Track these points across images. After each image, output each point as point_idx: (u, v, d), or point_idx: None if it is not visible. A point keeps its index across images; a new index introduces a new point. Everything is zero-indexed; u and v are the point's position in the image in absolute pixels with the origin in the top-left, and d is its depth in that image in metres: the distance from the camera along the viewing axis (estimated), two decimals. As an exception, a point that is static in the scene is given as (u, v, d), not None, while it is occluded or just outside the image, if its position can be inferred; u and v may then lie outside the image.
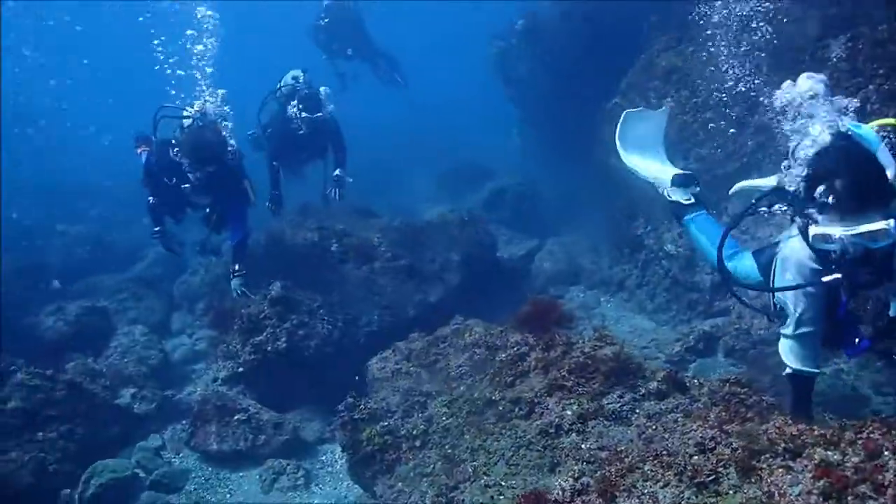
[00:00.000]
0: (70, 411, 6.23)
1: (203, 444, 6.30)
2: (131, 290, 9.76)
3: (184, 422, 6.84)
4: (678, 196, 4.70)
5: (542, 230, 10.94)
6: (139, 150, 7.63)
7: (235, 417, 6.29)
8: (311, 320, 6.81)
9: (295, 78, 8.07)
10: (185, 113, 6.95)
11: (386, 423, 4.85)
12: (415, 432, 4.65)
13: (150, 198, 7.06)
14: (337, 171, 8.05)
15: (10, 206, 15.81)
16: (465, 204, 12.19)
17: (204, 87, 7.31)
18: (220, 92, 7.02)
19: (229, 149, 6.65)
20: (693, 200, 4.65)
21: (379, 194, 13.45)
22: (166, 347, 8.26)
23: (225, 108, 7.00)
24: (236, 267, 6.72)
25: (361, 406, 5.05)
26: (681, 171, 4.80)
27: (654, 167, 5.01)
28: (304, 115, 7.74)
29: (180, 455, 6.46)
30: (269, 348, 6.59)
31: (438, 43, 32.24)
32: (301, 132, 7.83)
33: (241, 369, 6.69)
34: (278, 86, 8.29)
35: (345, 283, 7.43)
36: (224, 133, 6.73)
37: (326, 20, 12.21)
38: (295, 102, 7.80)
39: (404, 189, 15.64)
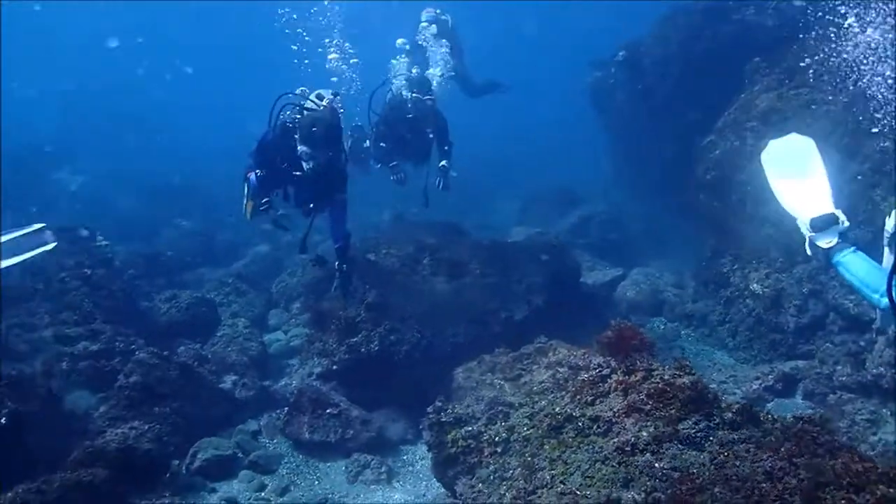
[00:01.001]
0: (181, 390, 6.87)
1: (296, 432, 6.81)
2: (234, 286, 10.50)
3: (278, 411, 7.42)
4: (821, 240, 4.43)
5: (627, 259, 11.13)
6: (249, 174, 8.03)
7: (327, 411, 6.78)
8: (403, 327, 7.25)
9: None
10: (308, 102, 7.01)
11: (470, 429, 5.20)
12: (497, 439, 4.99)
13: (257, 171, 6.98)
14: (443, 163, 8.33)
15: (125, 197, 17.18)
16: (552, 228, 12.49)
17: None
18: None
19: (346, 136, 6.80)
20: (837, 242, 4.37)
21: (467, 212, 13.94)
22: (264, 341, 8.89)
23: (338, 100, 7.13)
24: (343, 266, 6.94)
25: (448, 410, 5.42)
26: (820, 214, 4.45)
27: (797, 200, 4.65)
28: (414, 95, 7.93)
29: (274, 441, 7.01)
30: (362, 350, 7.07)
31: (535, 65, 32.60)
32: (409, 116, 7.99)
33: (335, 367, 7.19)
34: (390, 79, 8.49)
35: (435, 295, 7.84)
36: (347, 131, 6.96)
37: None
38: (405, 83, 8.01)
39: (492, 208, 16.07)
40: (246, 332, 8.69)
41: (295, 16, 10.32)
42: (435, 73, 8.74)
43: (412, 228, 9.74)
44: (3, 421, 5.57)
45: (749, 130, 8.43)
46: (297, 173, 6.65)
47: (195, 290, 9.83)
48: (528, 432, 4.88)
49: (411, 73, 8.33)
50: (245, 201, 7.09)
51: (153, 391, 6.64)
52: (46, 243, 5.78)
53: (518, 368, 5.82)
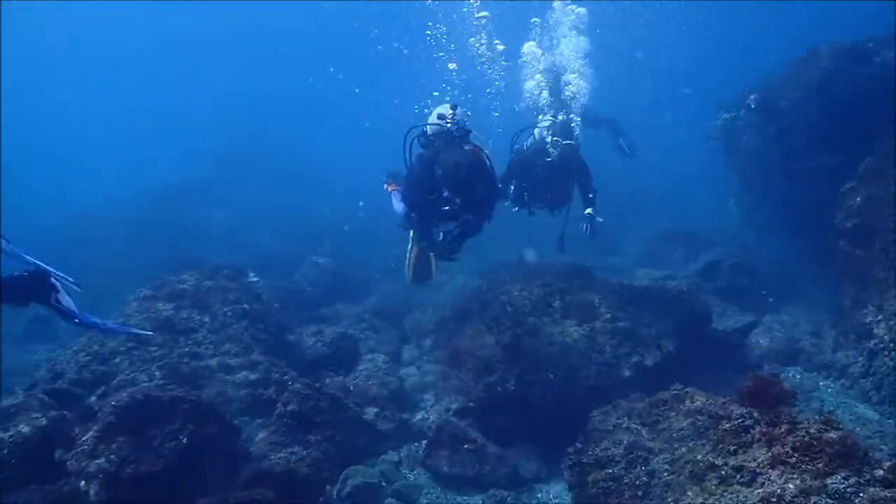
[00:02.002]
0: (331, 420, 7.41)
1: (435, 465, 7.20)
2: (369, 322, 11.14)
3: (416, 444, 7.86)
4: None
5: (758, 305, 10.94)
6: (389, 189, 8.37)
7: (465, 446, 7.14)
8: (536, 368, 7.54)
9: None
10: (431, 120, 7.13)
11: (610, 471, 5.42)
12: (637, 482, 5.19)
13: (412, 213, 7.25)
14: (588, 210, 8.42)
15: (264, 233, 18.44)
16: (679, 271, 12.46)
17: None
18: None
19: (487, 169, 6.85)
20: None
21: (589, 251, 14.08)
22: (401, 375, 9.40)
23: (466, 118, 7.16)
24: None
25: (589, 452, 5.66)
26: None
27: None
28: (555, 139, 8.11)
29: (414, 472, 7.42)
30: (498, 389, 7.42)
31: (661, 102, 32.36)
32: (550, 160, 8.17)
33: (471, 404, 7.56)
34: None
35: (566, 338, 8.09)
36: (484, 152, 6.94)
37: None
38: (547, 126, 8.24)
39: (614, 248, 16.12)
40: (385, 366, 9.22)
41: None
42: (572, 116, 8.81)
43: (540, 270, 10.05)
44: (184, 441, 6.27)
45: (894, 178, 8.24)
46: (446, 208, 6.77)
47: (336, 326, 10.53)
48: (670, 478, 5.05)
49: (556, 118, 8.54)
50: (407, 264, 8.02)
51: (308, 420, 7.22)
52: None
53: (655, 414, 5.97)
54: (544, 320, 8.38)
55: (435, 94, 7.71)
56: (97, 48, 42.08)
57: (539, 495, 6.98)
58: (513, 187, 8.60)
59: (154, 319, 8.78)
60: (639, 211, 18.49)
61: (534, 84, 9.50)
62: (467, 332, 8.63)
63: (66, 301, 5.02)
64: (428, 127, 7.32)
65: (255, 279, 10.63)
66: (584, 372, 7.73)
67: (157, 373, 8.00)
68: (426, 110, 7.75)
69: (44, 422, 6.49)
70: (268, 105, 34.16)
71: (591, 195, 8.53)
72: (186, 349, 8.42)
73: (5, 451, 6.23)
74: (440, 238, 7.15)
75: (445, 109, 7.22)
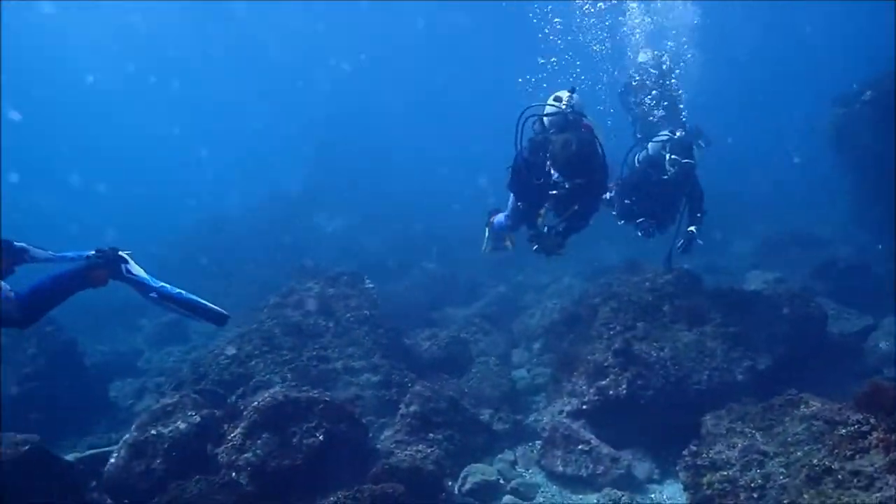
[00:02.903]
0: (450, 420, 7.89)
1: (550, 464, 7.53)
2: (478, 325, 11.59)
3: (529, 444, 8.22)
4: None
5: (875, 307, 10.65)
6: (490, 220, 8.72)
7: (579, 447, 7.43)
8: (648, 373, 7.74)
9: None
10: (549, 104, 6.95)
11: (725, 473, 5.61)
12: (753, 485, 5.36)
13: (519, 203, 7.30)
14: (692, 228, 8.51)
15: (375, 239, 19.24)
16: (791, 272, 12.25)
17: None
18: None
19: (598, 155, 6.60)
20: None
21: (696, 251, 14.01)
22: (512, 378, 9.79)
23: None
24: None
25: (703, 454, 5.86)
26: None
27: None
28: (673, 157, 8.08)
29: (530, 471, 7.78)
30: (610, 393, 7.67)
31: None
32: (665, 178, 8.17)
33: (584, 407, 7.84)
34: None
35: (676, 342, 8.24)
36: (596, 136, 6.68)
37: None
38: (664, 141, 8.19)
39: (722, 248, 15.92)
40: (496, 369, 9.64)
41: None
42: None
43: (647, 274, 10.18)
44: (320, 438, 6.87)
45: None
46: (553, 192, 6.66)
47: (448, 330, 11.03)
48: (785, 481, 5.20)
49: (674, 134, 8.43)
50: (484, 244, 8.24)
51: (429, 420, 7.72)
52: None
53: (769, 419, 6.10)
54: (654, 325, 8.55)
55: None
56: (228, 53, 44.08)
57: (653, 496, 7.18)
58: (626, 201, 8.65)
59: (283, 325, 9.54)
60: (745, 211, 18.16)
61: (647, 95, 9.53)
62: (578, 337, 8.92)
63: (137, 270, 5.59)
64: (544, 108, 7.16)
65: (371, 285, 11.27)
66: (695, 377, 7.86)
67: (288, 375, 8.71)
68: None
69: (197, 419, 7.23)
70: (382, 111, 35.18)
71: (699, 214, 8.60)
72: (314, 353, 9.11)
73: (166, 445, 7.02)
74: (545, 231, 7.08)
75: (563, 93, 7.05)
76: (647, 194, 8.59)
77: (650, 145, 8.66)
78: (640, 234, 8.70)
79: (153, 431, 7.10)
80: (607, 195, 8.58)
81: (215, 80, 45.55)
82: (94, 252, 5.42)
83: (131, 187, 35.53)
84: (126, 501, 6.85)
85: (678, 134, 8.40)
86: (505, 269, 15.86)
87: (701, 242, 8.59)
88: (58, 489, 6.62)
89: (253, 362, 8.98)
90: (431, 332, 10.45)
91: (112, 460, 7.11)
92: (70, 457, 7.42)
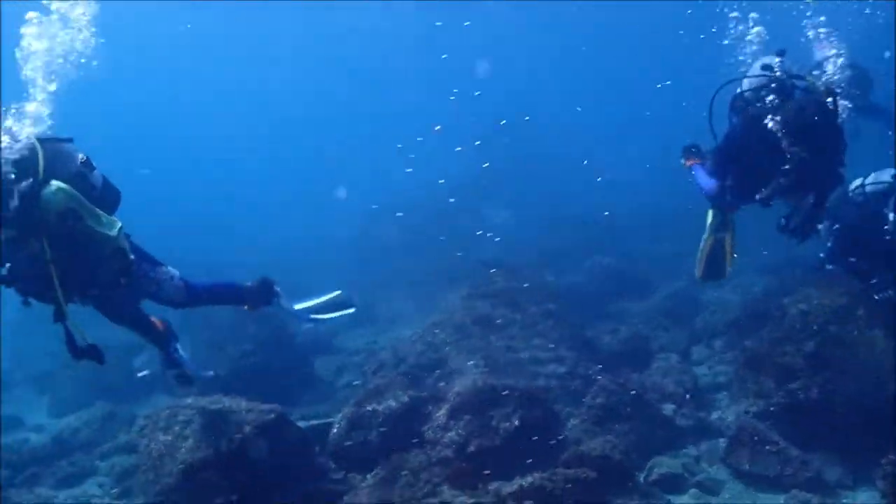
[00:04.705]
0: (634, 413, 8.26)
1: (736, 462, 7.69)
2: (658, 320, 11.77)
3: (713, 441, 8.40)
4: None
5: None
6: (687, 163, 7.49)
7: (766, 447, 7.54)
8: (842, 377, 7.66)
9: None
10: (753, 73, 6.26)
11: (927, 484, 5.61)
12: (959, 499, 5.34)
13: (727, 184, 6.59)
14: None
15: (545, 232, 19.61)
16: None
17: None
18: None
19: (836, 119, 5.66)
20: None
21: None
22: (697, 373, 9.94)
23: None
24: None
25: (904, 464, 5.87)
26: None
27: None
28: None
29: (713, 467, 7.97)
30: (801, 396, 7.70)
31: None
32: (888, 238, 6.82)
33: (771, 408, 7.92)
34: None
35: (873, 348, 8.02)
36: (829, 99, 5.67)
37: None
38: (886, 187, 6.85)
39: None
40: (678, 365, 9.84)
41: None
42: None
43: (833, 276, 9.87)
44: (516, 423, 7.52)
45: None
46: (785, 167, 5.84)
47: (628, 324, 11.33)
48: None
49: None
50: (699, 256, 7.59)
51: (614, 412, 8.15)
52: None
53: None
54: (847, 328, 8.39)
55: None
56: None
57: (845, 501, 7.18)
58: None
59: (473, 316, 10.30)
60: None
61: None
62: (764, 337, 8.93)
63: (286, 304, 6.65)
64: (746, 82, 6.43)
65: (551, 278, 11.80)
66: (894, 386, 7.68)
67: (480, 362, 9.43)
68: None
69: (406, 399, 8.13)
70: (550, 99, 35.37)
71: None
72: (502, 343, 9.79)
73: (380, 420, 7.97)
74: (783, 225, 6.34)
75: (770, 59, 6.32)
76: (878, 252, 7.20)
77: (868, 185, 7.19)
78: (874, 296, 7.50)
79: (369, 408, 8.08)
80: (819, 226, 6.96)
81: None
82: (257, 281, 6.46)
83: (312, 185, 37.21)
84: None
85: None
86: (682, 261, 15.72)
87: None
88: (294, 451, 7.79)
89: (446, 349, 9.82)
90: (612, 327, 10.80)
91: (334, 430, 8.18)
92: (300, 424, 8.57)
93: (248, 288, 6.42)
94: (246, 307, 6.49)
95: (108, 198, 5.37)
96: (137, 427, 8.94)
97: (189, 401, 8.34)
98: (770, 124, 5.84)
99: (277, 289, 6.60)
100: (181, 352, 6.50)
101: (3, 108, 5.03)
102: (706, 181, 7.10)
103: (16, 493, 9.39)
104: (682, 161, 7.54)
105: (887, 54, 12.17)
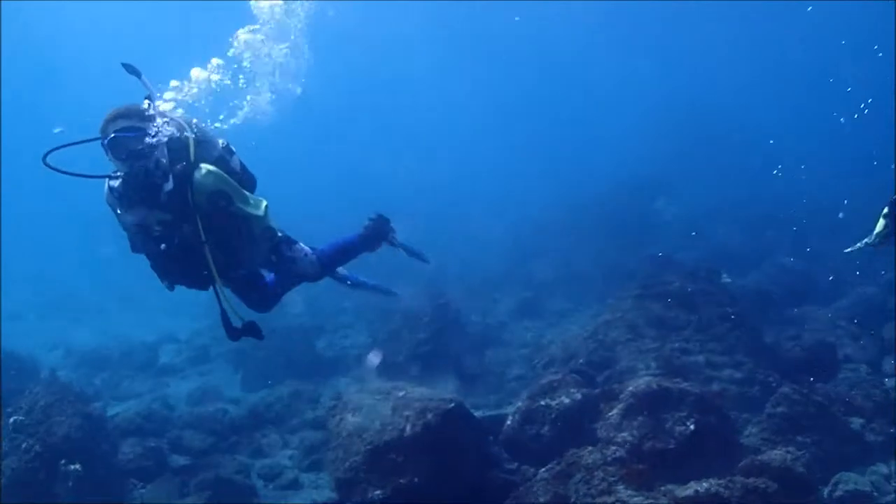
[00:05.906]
0: (818, 425, 7.96)
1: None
2: (844, 328, 11.14)
3: (910, 458, 7.93)
4: None
5: None
6: None
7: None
8: None
9: None
10: None
11: None
12: None
13: None
14: None
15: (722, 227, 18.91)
16: None
17: None
18: None
19: None
20: None
21: None
22: (888, 387, 9.34)
23: None
24: None
25: None
26: None
27: None
28: None
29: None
30: None
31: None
32: None
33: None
34: None
35: None
36: None
37: None
38: None
39: None
40: (868, 377, 9.32)
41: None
42: None
43: None
44: (691, 427, 7.52)
45: None
46: None
47: (811, 331, 10.81)
48: None
49: None
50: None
51: (797, 422, 7.91)
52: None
53: None
54: None
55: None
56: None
57: None
58: None
59: (646, 316, 10.30)
60: None
61: None
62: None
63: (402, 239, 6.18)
64: None
65: (728, 280, 11.49)
66: None
67: (652, 363, 9.45)
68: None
69: (578, 396, 8.34)
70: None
71: None
72: (676, 345, 9.73)
73: (553, 415, 8.25)
74: None
75: None
76: None
77: None
78: None
79: (542, 402, 8.38)
80: None
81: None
82: (373, 219, 6.10)
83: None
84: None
85: None
86: (872, 264, 14.64)
87: None
88: (471, 439, 8.25)
89: (618, 348, 9.90)
90: (795, 333, 10.36)
91: (508, 422, 8.56)
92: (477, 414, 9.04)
93: (366, 232, 6.12)
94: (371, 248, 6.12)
95: (245, 183, 5.25)
96: (327, 407, 9.77)
97: (375, 385, 9.04)
98: None
99: (392, 225, 6.28)
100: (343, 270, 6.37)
101: (158, 94, 4.96)
102: None
103: (220, 458, 10.55)
104: None
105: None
